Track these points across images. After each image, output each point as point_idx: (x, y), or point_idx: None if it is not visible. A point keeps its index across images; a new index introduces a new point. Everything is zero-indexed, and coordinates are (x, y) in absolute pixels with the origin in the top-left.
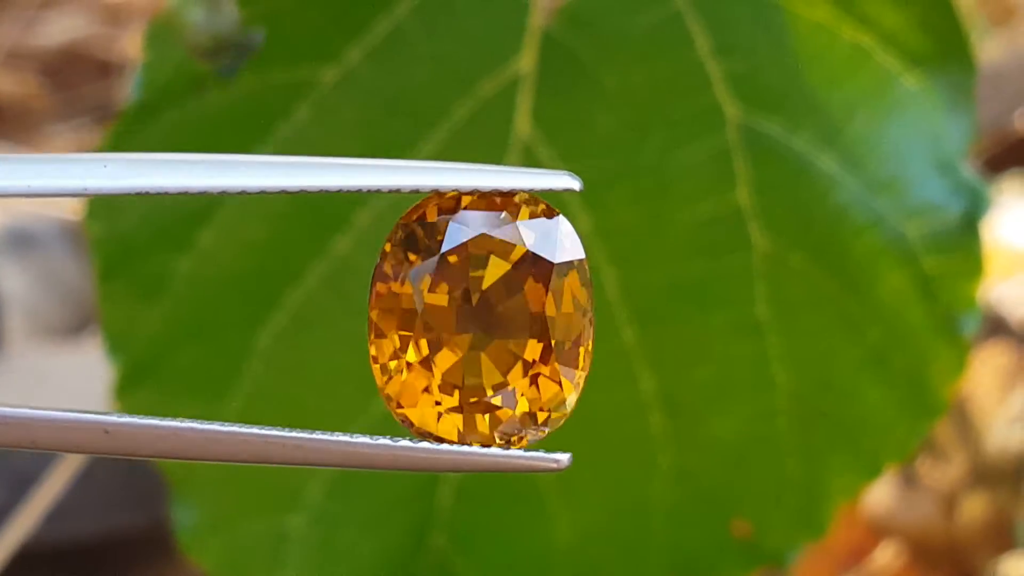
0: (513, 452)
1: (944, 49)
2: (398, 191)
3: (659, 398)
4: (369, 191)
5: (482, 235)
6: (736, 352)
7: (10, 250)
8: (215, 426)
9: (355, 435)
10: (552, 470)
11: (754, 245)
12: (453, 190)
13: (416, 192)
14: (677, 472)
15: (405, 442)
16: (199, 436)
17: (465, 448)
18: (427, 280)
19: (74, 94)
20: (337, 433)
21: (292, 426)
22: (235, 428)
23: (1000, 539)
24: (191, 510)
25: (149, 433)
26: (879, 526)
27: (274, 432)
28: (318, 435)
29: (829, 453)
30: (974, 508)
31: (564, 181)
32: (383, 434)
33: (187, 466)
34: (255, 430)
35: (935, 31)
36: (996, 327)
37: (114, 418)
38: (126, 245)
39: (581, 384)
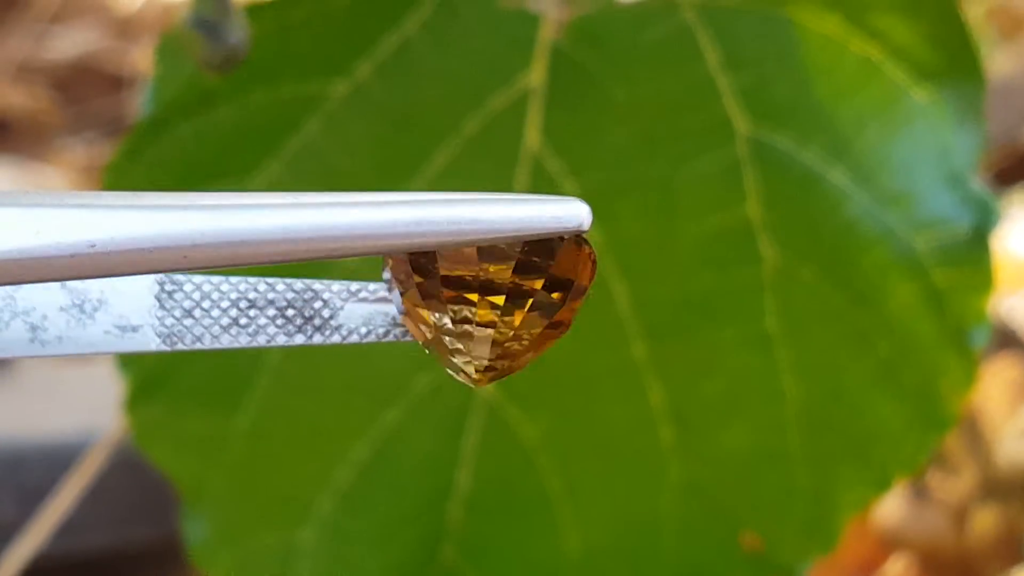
0: (535, 199)
1: (953, 63)
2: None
3: (669, 411)
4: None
5: None
6: (746, 365)
7: None
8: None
9: (367, 193)
10: (575, 228)
11: (764, 258)
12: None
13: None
14: (687, 485)
15: (420, 194)
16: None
17: (484, 195)
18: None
19: (85, 108)
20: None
21: (301, 440)
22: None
23: (1010, 552)
24: (202, 523)
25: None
26: (889, 539)
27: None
28: (337, 194)
29: (839, 466)
30: (984, 521)
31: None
32: (395, 447)
33: (198, 478)
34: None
35: (944, 45)
36: (1006, 340)
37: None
38: None
39: None
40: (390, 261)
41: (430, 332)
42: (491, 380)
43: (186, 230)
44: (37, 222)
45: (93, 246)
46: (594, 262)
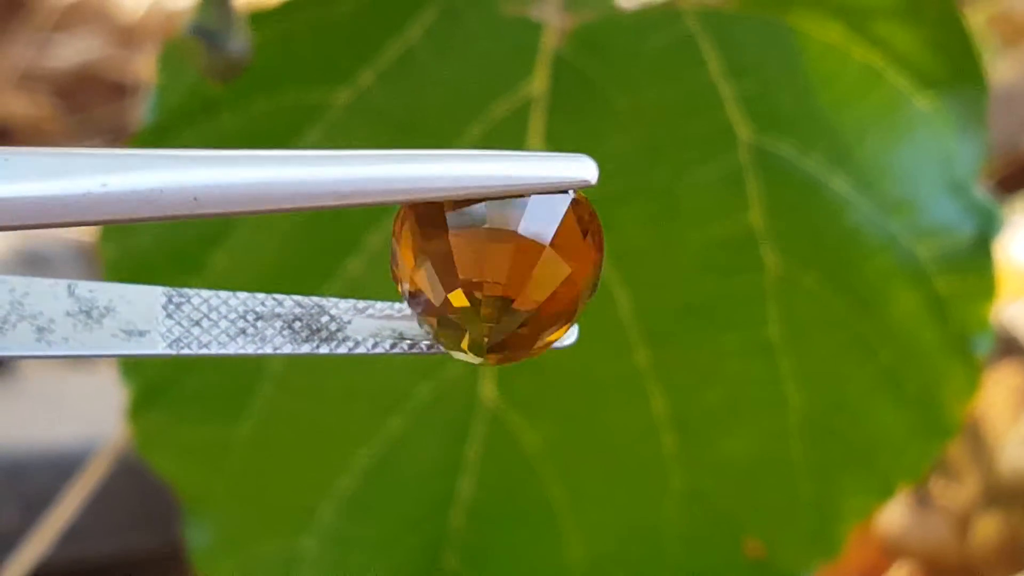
0: (542, 155)
1: (956, 70)
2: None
3: (671, 418)
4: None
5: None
6: (748, 373)
7: (24, 271)
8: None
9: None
10: (583, 182)
11: (766, 266)
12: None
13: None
14: (689, 492)
15: (430, 151)
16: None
17: (493, 152)
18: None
19: (88, 116)
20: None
21: (304, 447)
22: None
23: (1013, 559)
24: (204, 530)
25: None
26: (892, 546)
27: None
28: (352, 151)
29: (842, 473)
30: (987, 528)
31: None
32: (398, 454)
33: (201, 486)
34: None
35: (947, 52)
36: (1009, 347)
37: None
38: (139, 266)
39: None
40: (403, 223)
41: (438, 313)
42: (498, 362)
43: (196, 173)
44: (50, 165)
45: (105, 185)
46: (600, 243)
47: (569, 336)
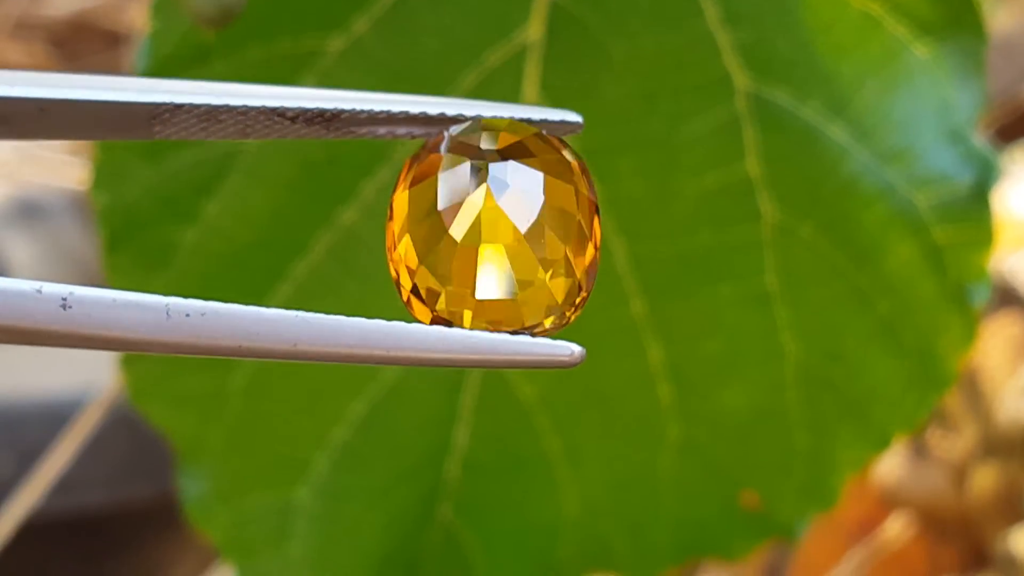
0: (526, 339)
1: (954, 18)
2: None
3: (667, 369)
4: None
5: None
6: (745, 323)
7: (17, 220)
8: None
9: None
10: (564, 363)
11: (763, 215)
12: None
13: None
14: (685, 443)
15: (419, 326)
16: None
17: (481, 333)
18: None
19: (82, 64)
20: (373, 319)
21: (299, 397)
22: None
23: (1010, 510)
24: (198, 481)
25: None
26: (889, 497)
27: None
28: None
29: (838, 424)
30: (984, 479)
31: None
32: (393, 404)
33: (195, 436)
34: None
35: (945, 0)
36: (1007, 297)
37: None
38: (132, 215)
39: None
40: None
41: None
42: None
43: None
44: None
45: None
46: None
47: None
